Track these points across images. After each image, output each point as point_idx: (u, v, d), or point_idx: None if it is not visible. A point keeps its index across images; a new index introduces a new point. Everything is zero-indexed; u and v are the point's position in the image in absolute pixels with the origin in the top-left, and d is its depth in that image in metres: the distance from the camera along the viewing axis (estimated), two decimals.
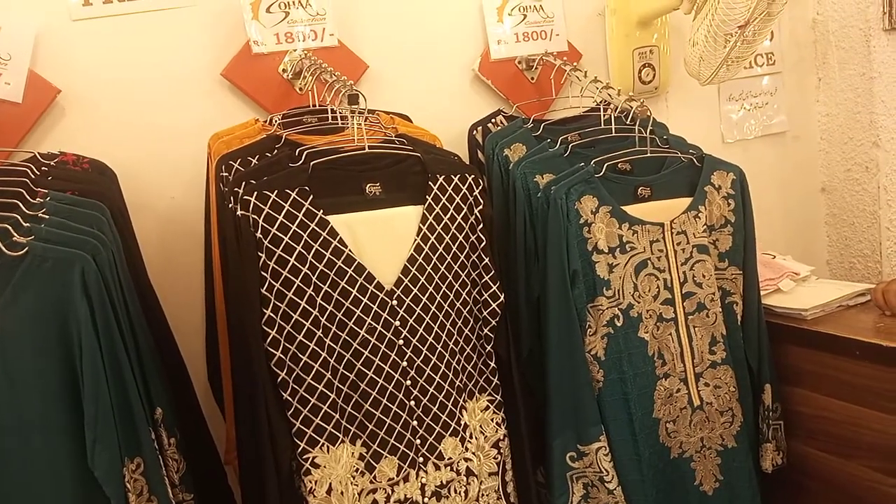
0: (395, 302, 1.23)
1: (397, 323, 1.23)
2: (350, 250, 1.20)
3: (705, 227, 1.46)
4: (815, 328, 1.52)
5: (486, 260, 1.32)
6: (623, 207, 1.41)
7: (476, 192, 1.33)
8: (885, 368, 1.37)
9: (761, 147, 2.11)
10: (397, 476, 1.23)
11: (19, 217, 1.04)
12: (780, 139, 2.14)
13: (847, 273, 2.17)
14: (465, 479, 1.28)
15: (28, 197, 1.11)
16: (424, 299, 1.26)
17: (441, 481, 1.26)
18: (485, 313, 1.32)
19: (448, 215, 1.29)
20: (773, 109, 2.11)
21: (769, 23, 1.47)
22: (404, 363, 1.24)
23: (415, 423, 1.24)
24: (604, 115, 1.54)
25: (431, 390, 1.26)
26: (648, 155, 1.46)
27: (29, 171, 1.20)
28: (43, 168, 1.23)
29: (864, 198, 2.08)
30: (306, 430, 1.16)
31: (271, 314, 1.14)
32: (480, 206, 1.33)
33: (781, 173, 2.14)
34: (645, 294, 1.41)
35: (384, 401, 1.22)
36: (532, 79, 1.77)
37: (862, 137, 2.05)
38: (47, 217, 1.07)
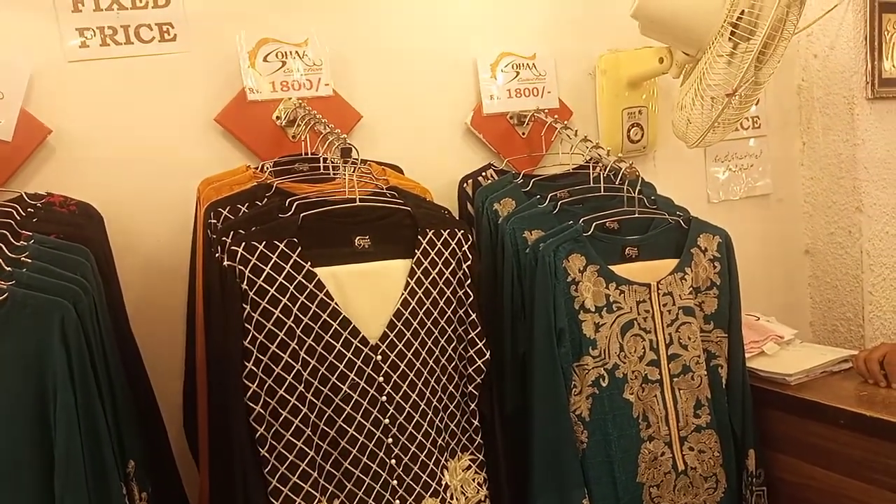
0: (379, 357, 1.22)
1: (381, 378, 1.21)
2: (336, 303, 1.19)
3: (691, 288, 1.47)
4: (800, 395, 1.52)
5: (473, 316, 1.31)
6: (610, 267, 1.41)
7: (465, 248, 1.33)
8: (869, 438, 1.37)
9: (746, 208, 2.14)
10: None
11: (1, 261, 1.02)
12: (764, 201, 2.17)
13: (830, 335, 2.18)
14: None
15: (12, 239, 1.09)
16: (410, 355, 1.24)
17: None
18: (470, 370, 1.31)
19: (436, 270, 1.29)
20: (758, 172, 2.15)
21: (757, 91, 1.50)
22: (386, 420, 1.21)
23: (395, 482, 1.22)
24: (593, 173, 1.56)
25: (413, 449, 1.23)
26: (636, 215, 1.47)
27: (14, 211, 1.19)
28: (28, 209, 1.22)
29: (847, 261, 2.11)
30: (282, 488, 1.13)
31: (253, 367, 1.12)
32: (469, 262, 1.32)
33: (766, 235, 2.17)
34: (631, 355, 1.40)
35: (364, 459, 1.19)
36: (523, 134, 1.80)
37: (845, 202, 2.09)
38: (30, 261, 1.05)
